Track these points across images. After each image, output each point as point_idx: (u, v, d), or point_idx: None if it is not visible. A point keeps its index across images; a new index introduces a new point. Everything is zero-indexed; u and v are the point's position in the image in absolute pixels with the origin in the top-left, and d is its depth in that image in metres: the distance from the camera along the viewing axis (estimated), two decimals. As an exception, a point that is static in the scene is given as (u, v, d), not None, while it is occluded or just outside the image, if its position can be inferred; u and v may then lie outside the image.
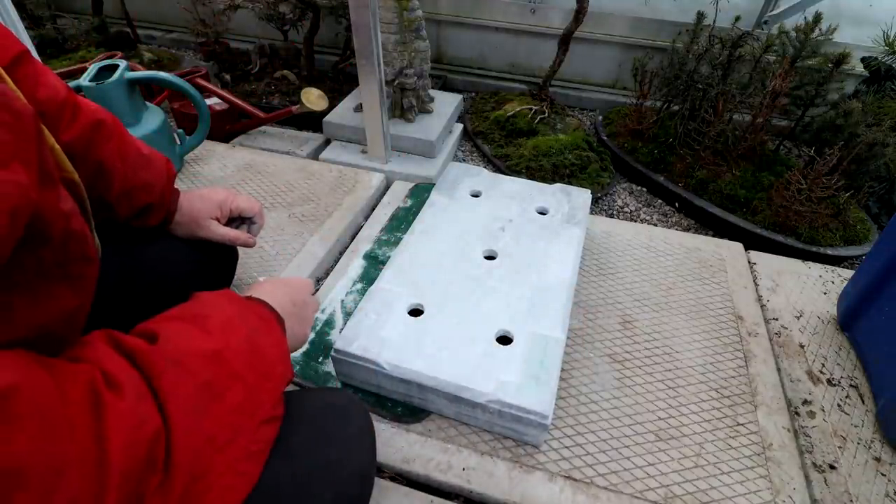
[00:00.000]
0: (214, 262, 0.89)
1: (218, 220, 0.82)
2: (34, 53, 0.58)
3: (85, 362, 0.38)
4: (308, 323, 0.67)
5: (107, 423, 0.34)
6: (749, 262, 1.23)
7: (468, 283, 0.95)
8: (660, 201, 1.67)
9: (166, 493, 0.37)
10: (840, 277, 1.20)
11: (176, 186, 0.81)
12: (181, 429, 0.39)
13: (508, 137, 1.79)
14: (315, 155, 1.64)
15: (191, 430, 0.39)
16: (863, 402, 0.93)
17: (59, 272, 0.44)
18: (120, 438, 0.34)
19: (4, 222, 0.35)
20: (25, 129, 0.40)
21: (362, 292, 1.07)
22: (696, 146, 1.60)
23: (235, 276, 1.04)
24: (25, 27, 1.42)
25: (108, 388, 0.36)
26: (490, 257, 1.02)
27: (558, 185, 1.22)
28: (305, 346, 0.96)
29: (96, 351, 0.40)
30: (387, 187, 1.48)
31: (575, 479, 0.79)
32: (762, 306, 1.11)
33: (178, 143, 1.40)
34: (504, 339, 0.86)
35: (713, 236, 1.45)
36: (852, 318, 1.02)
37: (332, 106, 1.69)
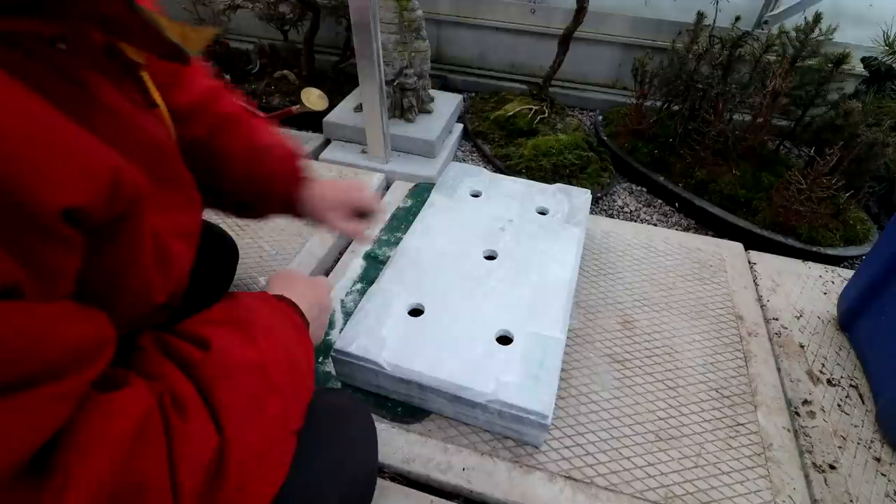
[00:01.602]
0: (215, 262, 0.89)
1: (342, 216, 0.83)
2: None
3: (151, 379, 0.40)
4: (325, 327, 0.68)
5: (176, 448, 0.36)
6: (749, 262, 1.23)
7: (468, 283, 0.95)
8: (660, 201, 1.67)
9: (212, 501, 0.38)
10: (840, 277, 1.20)
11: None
12: (233, 442, 0.40)
13: (508, 137, 1.79)
14: (315, 155, 1.64)
15: (240, 443, 0.40)
16: (863, 402, 0.93)
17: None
18: (187, 462, 0.36)
19: (170, 290, 0.44)
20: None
21: (362, 292, 1.07)
22: (696, 146, 1.60)
23: (235, 277, 1.04)
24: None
25: (174, 409, 0.38)
26: (490, 257, 1.02)
27: (558, 185, 1.22)
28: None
29: (156, 364, 0.42)
30: (387, 187, 1.48)
31: (575, 479, 0.79)
32: (762, 306, 1.11)
33: (178, 143, 1.40)
34: (504, 339, 0.86)
35: (713, 236, 1.45)
36: (852, 318, 1.02)
37: (332, 106, 1.69)
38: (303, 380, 0.51)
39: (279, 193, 0.75)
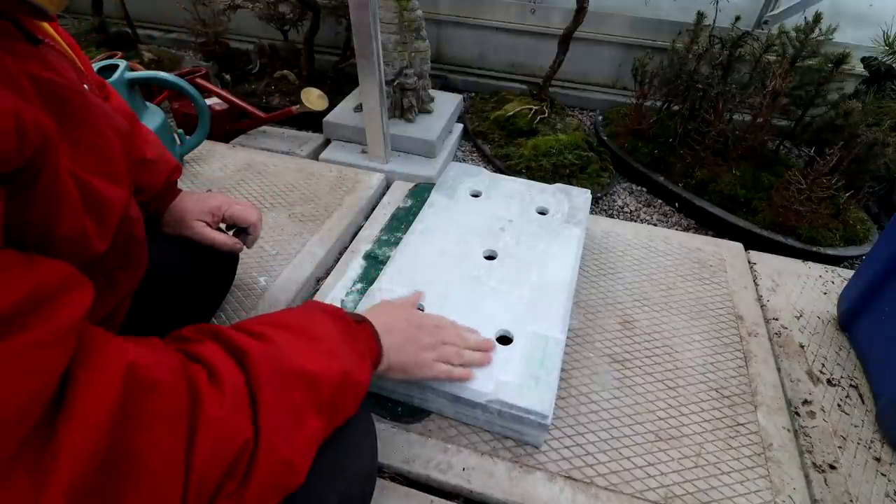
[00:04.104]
0: (215, 262, 0.89)
1: (209, 224, 0.82)
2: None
3: (192, 360, 0.39)
4: (424, 347, 0.68)
5: (200, 426, 0.35)
6: (749, 262, 1.23)
7: (468, 283, 0.95)
8: (660, 201, 1.67)
9: (238, 501, 0.38)
10: (840, 277, 1.20)
11: (179, 188, 0.81)
12: (267, 447, 0.39)
13: (508, 137, 1.79)
14: (315, 155, 1.65)
15: (275, 450, 0.40)
16: (863, 402, 0.93)
17: (119, 272, 0.49)
18: (209, 442, 0.35)
19: (109, 235, 0.42)
20: (126, 149, 0.47)
21: (362, 292, 1.07)
22: (696, 146, 1.60)
23: (235, 277, 1.04)
24: (25, 27, 1.42)
25: (211, 385, 0.37)
26: (490, 257, 1.02)
27: (558, 185, 1.22)
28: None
29: (204, 348, 0.41)
30: (387, 187, 1.48)
31: (575, 479, 0.79)
32: (762, 306, 1.11)
33: (178, 143, 1.40)
34: (504, 339, 0.86)
35: (713, 236, 1.45)
36: (852, 318, 1.02)
37: (332, 106, 1.69)
38: (346, 408, 0.51)
39: (149, 205, 0.76)
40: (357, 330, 0.56)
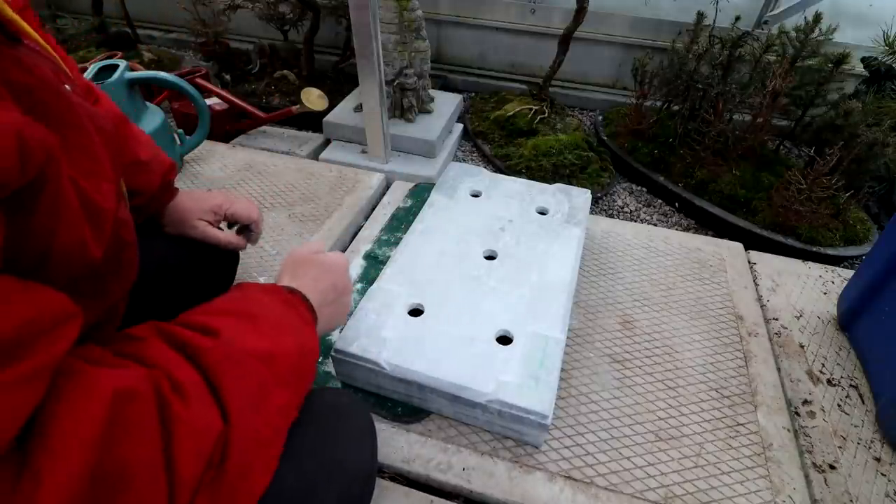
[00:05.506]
0: (215, 262, 0.89)
1: (210, 222, 0.82)
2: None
3: (149, 366, 0.39)
4: (345, 308, 0.68)
5: (175, 434, 0.35)
6: (749, 262, 1.23)
7: (468, 283, 0.95)
8: (660, 201, 1.67)
9: (217, 487, 0.38)
10: (840, 277, 1.20)
11: (176, 187, 0.81)
12: (238, 429, 0.40)
13: (508, 137, 1.79)
14: (315, 155, 1.65)
15: (245, 431, 0.40)
16: (863, 402, 0.93)
17: (110, 277, 0.48)
18: (187, 448, 0.36)
19: (105, 239, 0.42)
20: (111, 147, 0.47)
21: (362, 292, 1.07)
22: (696, 146, 1.61)
23: (235, 277, 1.04)
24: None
25: (174, 394, 0.37)
26: (490, 257, 1.02)
27: (558, 185, 1.22)
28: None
29: (155, 351, 0.41)
30: (387, 187, 1.48)
31: (575, 479, 0.79)
32: (762, 306, 1.11)
33: (178, 143, 1.40)
34: (504, 339, 0.86)
35: (713, 236, 1.44)
36: (852, 318, 1.02)
37: (332, 106, 1.69)
38: (307, 373, 0.52)
39: (149, 207, 0.75)
40: (293, 300, 0.56)
